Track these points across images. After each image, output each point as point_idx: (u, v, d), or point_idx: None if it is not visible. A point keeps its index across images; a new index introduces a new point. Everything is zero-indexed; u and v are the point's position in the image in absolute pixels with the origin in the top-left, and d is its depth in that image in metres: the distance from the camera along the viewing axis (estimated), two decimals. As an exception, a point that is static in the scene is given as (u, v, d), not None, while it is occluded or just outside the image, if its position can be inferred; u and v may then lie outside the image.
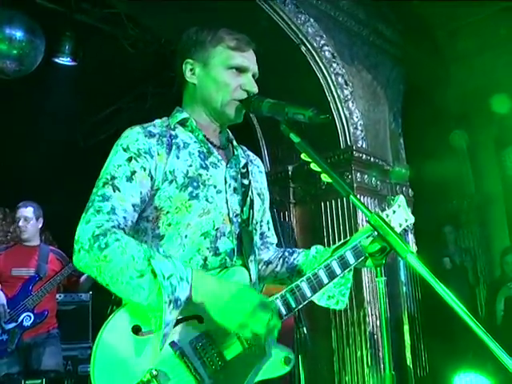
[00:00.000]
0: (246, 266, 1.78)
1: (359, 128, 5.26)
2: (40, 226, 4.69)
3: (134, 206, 1.65)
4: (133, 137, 1.72)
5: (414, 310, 5.34)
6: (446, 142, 6.47)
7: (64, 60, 5.66)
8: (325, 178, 1.59)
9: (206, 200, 1.73)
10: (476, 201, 6.77)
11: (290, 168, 5.48)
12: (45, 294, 4.39)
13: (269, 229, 2.11)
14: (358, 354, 4.64)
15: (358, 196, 5.00)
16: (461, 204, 6.84)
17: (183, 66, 1.86)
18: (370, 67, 5.80)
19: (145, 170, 1.68)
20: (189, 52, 1.85)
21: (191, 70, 1.85)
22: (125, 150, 1.70)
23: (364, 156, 5.19)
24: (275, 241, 2.14)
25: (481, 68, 6.42)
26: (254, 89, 1.84)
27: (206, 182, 1.75)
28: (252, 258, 1.83)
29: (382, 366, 4.72)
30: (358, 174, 5.10)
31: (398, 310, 5.20)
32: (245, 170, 1.91)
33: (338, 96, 5.17)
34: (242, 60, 1.83)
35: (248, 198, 1.87)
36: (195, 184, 1.73)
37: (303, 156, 1.63)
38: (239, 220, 1.80)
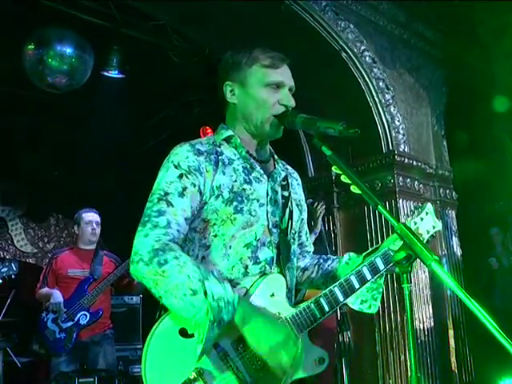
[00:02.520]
0: (283, 273, 1.88)
1: (401, 132, 5.26)
2: None
3: (186, 219, 1.79)
4: (183, 154, 1.85)
5: (459, 314, 5.29)
6: (491, 142, 6.36)
7: (112, 73, 5.88)
8: (354, 189, 1.68)
9: (250, 214, 1.85)
10: (524, 201, 6.62)
11: (333, 173, 5.51)
12: (99, 293, 4.59)
13: (307, 239, 2.24)
14: (402, 357, 4.65)
15: (401, 200, 5.01)
16: (508, 205, 6.70)
17: (224, 88, 1.99)
18: (411, 70, 5.78)
19: (195, 186, 1.81)
20: (227, 74, 1.98)
21: (231, 91, 1.98)
22: (176, 167, 1.83)
23: (406, 160, 5.18)
24: (312, 249, 2.27)
25: (527, 66, 6.29)
26: (291, 102, 1.95)
27: (250, 197, 1.87)
28: (289, 265, 1.94)
29: (426, 370, 4.73)
30: (401, 178, 5.09)
31: (442, 314, 5.17)
32: (285, 183, 2.03)
33: (380, 101, 5.18)
34: (277, 76, 1.94)
35: (287, 209, 1.98)
36: (239, 199, 1.84)
37: (334, 168, 1.74)
38: (278, 230, 1.91)
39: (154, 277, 1.66)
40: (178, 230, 1.77)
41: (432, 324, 4.97)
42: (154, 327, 1.73)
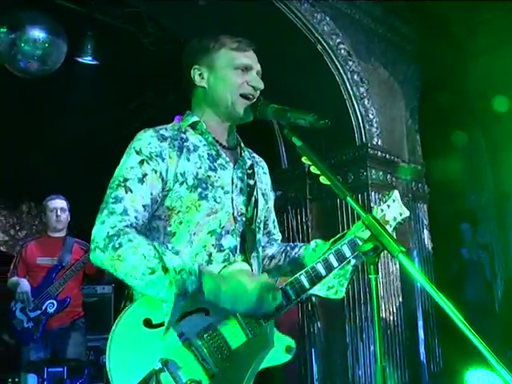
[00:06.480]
0: (247, 261, 1.88)
1: (375, 125, 5.29)
2: (69, 218, 4.90)
3: (144, 206, 1.77)
4: (146, 140, 1.84)
5: (429, 306, 5.37)
6: (463, 138, 6.44)
7: (86, 59, 5.78)
8: (323, 180, 1.69)
9: (215, 200, 1.85)
10: (494, 197, 6.74)
11: (306, 164, 5.50)
12: (66, 280, 4.54)
13: (274, 227, 2.24)
14: (372, 348, 4.69)
15: (373, 193, 5.04)
16: (478, 200, 6.81)
17: (191, 72, 1.97)
18: (386, 64, 5.82)
19: (156, 172, 1.80)
20: (195, 59, 1.98)
21: (200, 74, 1.97)
22: (137, 153, 1.81)
23: (379, 153, 5.22)
24: (280, 237, 2.27)
25: (500, 64, 6.38)
26: (260, 85, 1.96)
27: (215, 184, 1.86)
28: (254, 254, 1.95)
29: (395, 360, 4.79)
30: (373, 171, 5.12)
31: (412, 306, 5.25)
32: (251, 171, 2.03)
33: (354, 94, 5.21)
34: (245, 59, 1.96)
35: (253, 198, 1.98)
36: (204, 185, 1.84)
37: (304, 159, 1.74)
38: (243, 219, 1.91)
39: (111, 262, 1.67)
40: (135, 217, 1.75)
41: (401, 315, 5.03)
42: (118, 318, 1.73)
